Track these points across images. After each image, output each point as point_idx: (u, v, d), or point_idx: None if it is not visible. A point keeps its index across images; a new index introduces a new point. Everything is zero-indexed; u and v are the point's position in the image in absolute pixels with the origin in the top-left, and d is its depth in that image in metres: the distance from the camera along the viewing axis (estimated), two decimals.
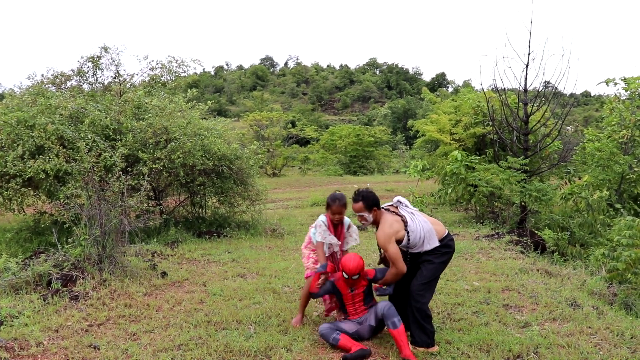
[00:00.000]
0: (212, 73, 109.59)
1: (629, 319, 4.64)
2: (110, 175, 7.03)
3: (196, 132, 9.23)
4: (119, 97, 9.82)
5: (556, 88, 11.36)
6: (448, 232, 4.05)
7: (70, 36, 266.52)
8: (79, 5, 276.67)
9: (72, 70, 11.14)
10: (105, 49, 10.99)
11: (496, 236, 8.93)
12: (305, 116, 64.74)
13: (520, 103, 11.24)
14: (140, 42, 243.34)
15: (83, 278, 5.36)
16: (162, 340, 4.07)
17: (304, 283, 4.59)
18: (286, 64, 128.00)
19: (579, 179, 12.09)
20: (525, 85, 10.94)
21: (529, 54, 10.74)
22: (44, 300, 4.82)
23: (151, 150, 8.44)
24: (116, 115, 8.80)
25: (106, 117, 8.56)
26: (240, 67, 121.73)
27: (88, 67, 11.07)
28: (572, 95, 14.44)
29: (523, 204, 10.49)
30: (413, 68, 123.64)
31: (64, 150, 7.84)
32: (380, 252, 4.13)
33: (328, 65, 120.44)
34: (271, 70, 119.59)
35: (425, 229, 3.89)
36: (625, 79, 12.03)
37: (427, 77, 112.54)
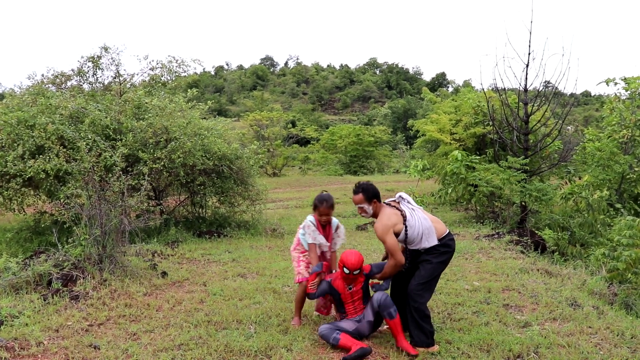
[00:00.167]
0: (212, 73, 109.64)
1: (629, 319, 4.63)
2: (110, 175, 7.03)
3: (196, 132, 9.23)
4: (119, 97, 9.82)
5: (556, 88, 11.37)
6: (449, 232, 4.03)
7: (70, 36, 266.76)
8: (79, 5, 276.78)
9: (73, 70, 11.16)
10: (106, 49, 11.00)
11: (496, 236, 8.93)
12: (305, 116, 64.74)
13: (521, 103, 11.24)
14: (140, 42, 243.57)
15: (83, 278, 5.36)
16: (163, 340, 4.07)
17: (297, 287, 4.57)
18: (286, 63, 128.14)
19: (579, 178, 12.10)
20: (526, 85, 10.94)
21: (529, 53, 10.75)
22: (44, 300, 4.82)
23: (151, 150, 8.44)
24: (116, 115, 8.80)
25: (106, 117, 8.56)
26: (240, 67, 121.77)
27: (88, 67, 11.08)
28: (572, 95, 14.45)
29: (523, 203, 10.49)
30: (413, 68, 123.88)
31: (64, 150, 7.84)
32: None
33: (328, 65, 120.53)
34: (271, 70, 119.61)
35: (425, 225, 3.88)
36: (625, 78, 12.04)
37: (427, 76, 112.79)
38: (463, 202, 12.53)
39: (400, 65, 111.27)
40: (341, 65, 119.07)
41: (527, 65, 10.81)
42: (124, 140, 8.31)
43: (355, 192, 3.98)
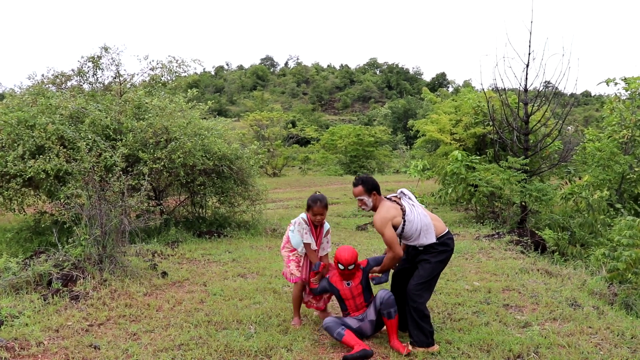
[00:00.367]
0: (213, 73, 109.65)
1: (630, 319, 4.63)
2: (110, 175, 7.03)
3: (196, 132, 9.23)
4: (120, 97, 9.82)
5: (556, 88, 11.37)
6: (448, 231, 4.02)
7: (70, 36, 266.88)
8: (79, 5, 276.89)
9: (73, 70, 11.15)
10: (106, 49, 10.99)
11: (496, 236, 8.93)
12: (305, 116, 64.78)
13: (521, 103, 11.24)
14: (140, 42, 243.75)
15: (83, 278, 5.36)
16: (163, 340, 4.07)
17: (294, 286, 4.56)
18: (286, 64, 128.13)
19: (580, 178, 12.10)
20: (526, 85, 10.94)
21: (529, 53, 10.75)
22: (45, 300, 4.82)
23: (151, 150, 8.44)
24: (116, 115, 8.80)
25: (106, 117, 8.56)
26: (240, 67, 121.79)
27: (88, 67, 11.07)
28: (572, 95, 14.44)
29: (523, 203, 10.49)
30: (413, 68, 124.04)
31: (65, 150, 7.84)
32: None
33: (328, 65, 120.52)
34: (271, 70, 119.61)
35: (424, 222, 3.88)
36: (625, 78, 12.03)
37: (427, 77, 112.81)
38: (463, 202, 12.53)
39: (400, 66, 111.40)
40: (341, 65, 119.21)
41: (527, 66, 10.81)
42: (124, 141, 8.31)
43: (355, 184, 4.01)
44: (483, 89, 15.04)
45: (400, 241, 4.08)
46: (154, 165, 8.19)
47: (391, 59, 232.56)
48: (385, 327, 4.23)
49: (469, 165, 11.31)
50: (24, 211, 9.22)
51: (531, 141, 11.55)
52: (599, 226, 9.72)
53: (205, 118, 11.54)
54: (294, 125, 46.86)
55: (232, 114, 62.45)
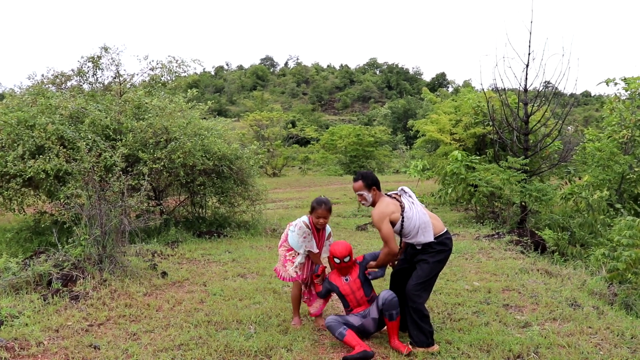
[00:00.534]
0: (212, 73, 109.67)
1: (629, 319, 4.63)
2: (110, 175, 7.04)
3: (196, 132, 9.23)
4: (119, 97, 9.83)
5: (556, 88, 11.37)
6: (447, 231, 4.03)
7: (70, 36, 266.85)
8: (79, 5, 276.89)
9: (73, 70, 11.17)
10: (106, 49, 11.00)
11: (496, 236, 8.93)
12: (305, 116, 64.81)
13: (521, 103, 11.24)
14: (140, 42, 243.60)
15: (83, 278, 5.36)
16: (163, 340, 4.07)
17: (292, 285, 4.56)
18: (286, 64, 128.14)
19: (579, 179, 12.09)
20: (526, 85, 10.94)
21: (529, 54, 10.76)
22: (44, 300, 4.82)
23: (151, 150, 8.44)
24: (116, 115, 8.80)
25: (106, 117, 8.56)
26: (240, 67, 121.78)
27: (88, 67, 11.08)
28: (572, 95, 14.44)
29: (523, 204, 10.49)
30: (413, 68, 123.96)
31: (64, 150, 7.84)
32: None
33: (328, 65, 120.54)
34: (271, 70, 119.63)
35: (422, 220, 3.89)
36: (625, 79, 12.03)
37: (427, 77, 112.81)
38: (463, 202, 12.53)
39: (400, 66, 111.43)
40: (341, 65, 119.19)
41: (527, 66, 10.81)
42: (124, 141, 8.31)
43: (355, 179, 4.07)
44: (483, 89, 15.06)
45: (401, 240, 4.08)
46: (154, 165, 8.19)
47: (391, 59, 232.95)
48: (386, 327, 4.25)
49: (469, 165, 11.31)
50: (24, 211, 9.22)
51: (531, 141, 11.55)
52: (598, 226, 9.72)
53: (205, 118, 11.54)
54: (293, 125, 46.90)
55: (232, 114, 62.49)
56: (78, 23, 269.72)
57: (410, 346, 3.87)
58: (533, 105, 11.33)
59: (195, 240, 8.77)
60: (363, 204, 4.09)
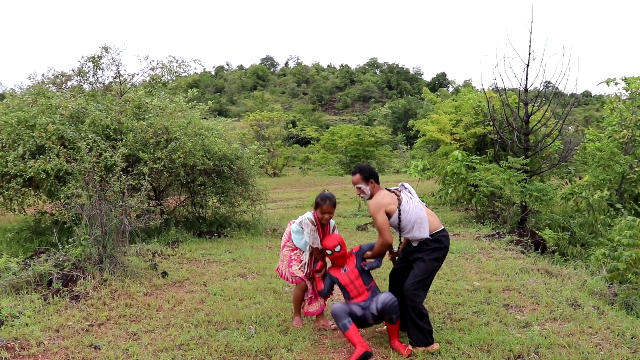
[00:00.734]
0: (213, 73, 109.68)
1: (630, 319, 4.63)
2: (110, 175, 7.04)
3: (197, 132, 9.24)
4: (120, 97, 9.83)
5: (557, 88, 11.38)
6: (443, 229, 4.03)
7: (70, 36, 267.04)
8: (79, 5, 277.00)
9: (73, 70, 11.17)
10: (106, 49, 11.00)
11: (497, 236, 8.93)
12: (305, 116, 64.82)
13: (521, 103, 11.24)
14: (141, 42, 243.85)
15: (84, 278, 5.36)
16: (163, 340, 4.07)
17: (295, 286, 4.55)
18: (287, 63, 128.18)
19: (580, 178, 12.09)
20: (526, 85, 10.94)
21: (529, 53, 10.75)
22: (45, 300, 4.82)
23: (152, 150, 8.45)
24: (117, 115, 8.81)
25: (107, 117, 8.56)
26: (240, 67, 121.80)
27: (89, 67, 11.08)
28: (572, 95, 14.44)
29: (524, 203, 10.49)
30: (413, 68, 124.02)
31: (65, 150, 7.84)
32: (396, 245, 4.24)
33: (328, 65, 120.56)
34: (272, 70, 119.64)
35: (419, 215, 3.91)
36: (625, 78, 12.03)
37: (427, 77, 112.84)
38: (463, 202, 12.53)
39: (400, 65, 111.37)
40: (341, 65, 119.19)
41: (528, 65, 10.81)
42: (124, 141, 8.32)
43: (354, 172, 4.13)
44: (483, 89, 15.06)
45: (400, 235, 4.10)
46: (154, 165, 8.20)
47: (391, 59, 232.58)
48: (384, 327, 4.25)
49: (469, 165, 11.31)
50: (24, 211, 9.22)
51: (531, 141, 11.55)
52: (599, 226, 9.71)
53: (205, 118, 11.55)
54: (294, 125, 46.90)
55: (232, 114, 62.48)
56: (78, 23, 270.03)
57: (410, 347, 3.86)
58: (533, 105, 11.32)
59: (196, 240, 8.77)
60: (362, 197, 4.14)
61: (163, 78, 11.54)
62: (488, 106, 12.03)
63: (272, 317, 4.64)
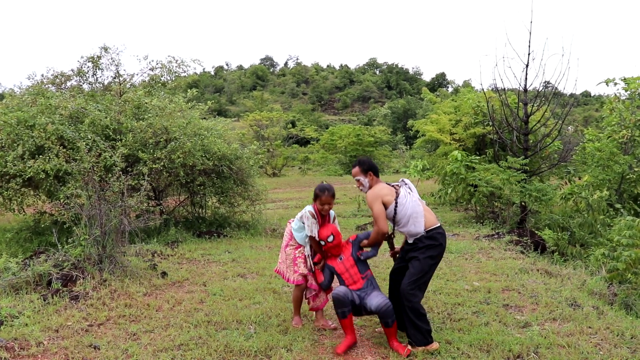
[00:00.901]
0: (212, 73, 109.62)
1: (629, 319, 4.63)
2: (110, 175, 7.03)
3: (196, 132, 9.23)
4: (119, 97, 9.82)
5: (556, 88, 11.37)
6: (439, 226, 4.03)
7: (70, 36, 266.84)
8: (79, 5, 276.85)
9: (72, 70, 11.16)
10: (105, 49, 11.00)
11: (496, 236, 8.93)
12: (305, 116, 64.80)
13: (520, 103, 11.24)
14: (140, 42, 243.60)
15: (83, 278, 5.36)
16: (163, 340, 4.07)
17: (294, 287, 4.55)
18: (286, 64, 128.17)
19: (579, 179, 12.10)
20: (525, 85, 10.94)
21: (529, 54, 10.75)
22: (44, 300, 4.82)
23: (151, 150, 8.44)
24: (116, 115, 8.80)
25: (106, 117, 8.56)
26: (240, 67, 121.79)
27: (88, 67, 11.08)
28: (572, 95, 14.44)
29: (523, 204, 10.49)
30: (413, 68, 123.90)
31: (64, 150, 7.84)
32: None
33: (328, 65, 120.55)
34: (271, 70, 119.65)
35: (415, 209, 3.94)
36: (625, 79, 12.03)
37: (427, 77, 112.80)
38: (463, 202, 12.53)
39: (400, 66, 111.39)
40: (341, 65, 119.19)
41: (527, 66, 10.81)
42: (123, 141, 8.31)
43: (353, 165, 4.20)
44: (483, 89, 15.05)
45: (394, 229, 4.11)
46: (154, 165, 8.19)
47: (391, 59, 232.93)
48: (380, 329, 4.27)
49: (469, 165, 11.31)
50: (24, 211, 9.21)
51: (531, 141, 11.55)
52: (598, 226, 9.72)
53: (205, 118, 11.54)
54: (293, 125, 46.89)
55: (231, 114, 62.47)
56: (78, 23, 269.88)
57: (409, 347, 3.87)
58: (533, 105, 11.33)
59: (195, 240, 8.77)
60: (361, 190, 4.19)
61: (162, 78, 11.53)
62: (487, 106, 12.03)
63: (272, 317, 4.64)
